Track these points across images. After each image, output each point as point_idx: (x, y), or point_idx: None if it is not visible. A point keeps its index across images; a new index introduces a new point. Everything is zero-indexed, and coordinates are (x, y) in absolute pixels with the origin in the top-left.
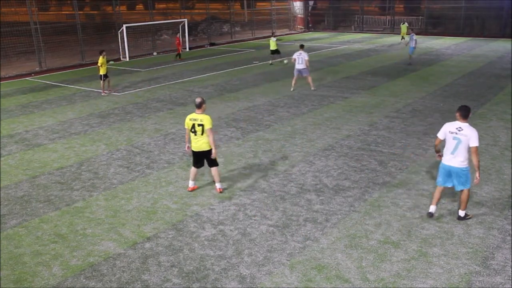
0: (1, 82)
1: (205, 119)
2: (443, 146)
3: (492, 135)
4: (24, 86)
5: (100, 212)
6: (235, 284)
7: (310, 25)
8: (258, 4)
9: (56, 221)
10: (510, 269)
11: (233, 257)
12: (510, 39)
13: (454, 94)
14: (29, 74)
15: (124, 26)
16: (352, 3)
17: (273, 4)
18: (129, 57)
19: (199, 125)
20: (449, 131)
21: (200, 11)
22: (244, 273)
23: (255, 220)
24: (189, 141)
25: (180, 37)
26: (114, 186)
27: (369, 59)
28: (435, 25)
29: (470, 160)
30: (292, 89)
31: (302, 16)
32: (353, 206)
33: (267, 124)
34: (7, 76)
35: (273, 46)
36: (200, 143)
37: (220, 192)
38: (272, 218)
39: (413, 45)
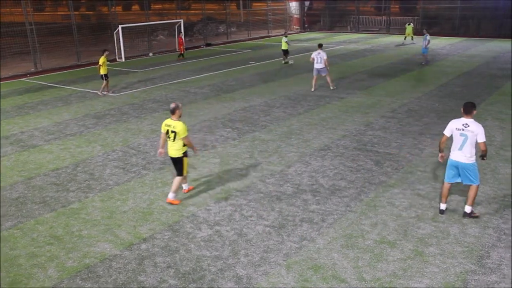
0: None
1: (178, 127)
2: (444, 146)
3: (487, 135)
4: (19, 87)
5: (96, 213)
6: (231, 284)
7: (306, 25)
8: (254, 4)
9: (52, 222)
10: (505, 268)
11: (229, 258)
12: (505, 39)
13: (449, 94)
14: (24, 75)
15: (120, 26)
16: (348, 3)
17: (269, 4)
18: (125, 57)
19: (172, 131)
20: (456, 128)
21: (196, 11)
22: (241, 274)
23: (251, 220)
24: (163, 146)
25: (183, 37)
26: (110, 187)
27: (365, 59)
28: (431, 25)
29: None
30: (313, 89)
31: (298, 16)
32: (349, 206)
33: (263, 125)
34: (2, 77)
35: (284, 46)
36: (171, 149)
37: (168, 202)
38: (268, 219)
39: (425, 45)
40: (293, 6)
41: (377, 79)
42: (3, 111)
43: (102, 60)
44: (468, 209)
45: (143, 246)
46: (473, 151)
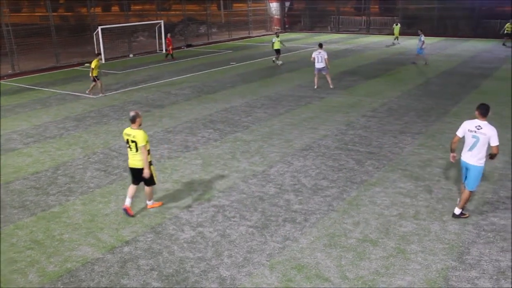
0: None
1: (138, 135)
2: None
3: None
4: None
5: (77, 217)
6: (215, 285)
7: (286, 26)
8: (234, 5)
9: (32, 227)
10: (485, 263)
11: (212, 259)
12: (482, 39)
13: (428, 93)
14: (1, 77)
15: (100, 28)
16: (328, 3)
17: (249, 5)
18: (105, 59)
19: (132, 141)
20: (468, 129)
21: (177, 12)
22: (224, 275)
23: (234, 221)
24: None
25: (170, 37)
26: (91, 190)
27: (346, 60)
28: (410, 25)
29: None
30: (315, 87)
31: (278, 17)
32: (331, 206)
33: (245, 125)
34: None
35: (276, 46)
36: (134, 159)
37: (150, 207)
38: (251, 219)
39: (421, 46)
40: (274, 7)
41: (357, 79)
42: None
43: (94, 63)
44: (457, 211)
45: (126, 249)
46: (483, 154)
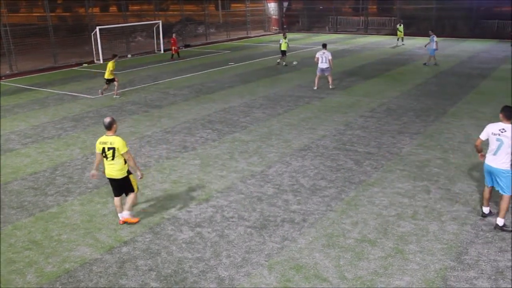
0: None
1: (116, 142)
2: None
3: (464, 133)
4: None
5: (75, 217)
6: (213, 286)
7: (284, 26)
8: (232, 5)
9: (30, 227)
10: (483, 263)
11: (211, 259)
12: (479, 39)
13: (427, 93)
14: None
15: (98, 28)
16: (326, 3)
17: (247, 5)
18: (103, 59)
19: (109, 148)
20: (492, 133)
21: (175, 12)
22: (223, 275)
23: (232, 221)
24: (97, 168)
25: (175, 37)
26: (89, 190)
27: (344, 60)
28: (408, 26)
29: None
30: (315, 88)
31: (276, 17)
32: (330, 206)
33: (243, 126)
34: None
35: (284, 47)
36: (111, 169)
37: (122, 223)
38: (249, 219)
39: (435, 47)
40: (272, 7)
41: (355, 79)
42: None
43: (112, 65)
44: (500, 221)
45: (124, 249)
46: (508, 157)
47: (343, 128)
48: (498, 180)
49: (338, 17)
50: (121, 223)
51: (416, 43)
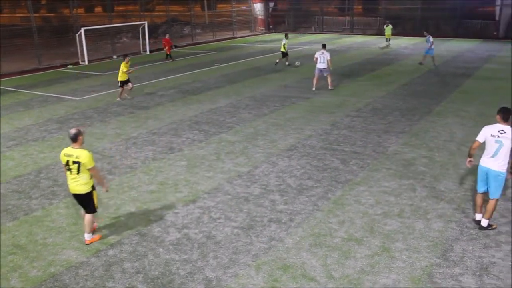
0: None
1: (82, 156)
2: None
3: (449, 132)
4: None
5: (60, 220)
6: (201, 287)
7: (270, 26)
8: (218, 6)
9: (14, 231)
10: (468, 260)
11: (198, 261)
12: (463, 39)
13: (412, 92)
14: None
15: (82, 29)
16: (312, 4)
17: (233, 5)
18: (88, 60)
19: (74, 162)
20: (491, 134)
21: (160, 13)
22: (210, 276)
23: (219, 222)
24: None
25: (168, 37)
26: None
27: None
28: (393, 26)
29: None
30: (313, 89)
31: (262, 17)
32: (316, 205)
33: (230, 126)
34: None
35: (284, 48)
36: (75, 184)
37: (88, 243)
38: (236, 220)
39: (430, 46)
40: (258, 7)
41: (342, 79)
42: None
43: (124, 66)
44: (484, 222)
45: (111, 252)
46: (507, 159)
47: (330, 128)
48: (492, 182)
49: (324, 17)
50: (87, 243)
51: (401, 43)
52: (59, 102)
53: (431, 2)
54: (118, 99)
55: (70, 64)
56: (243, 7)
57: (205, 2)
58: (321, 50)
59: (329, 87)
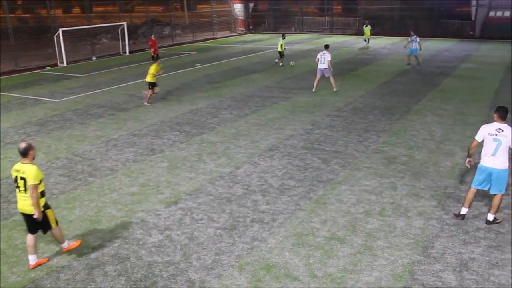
0: None
1: (28, 172)
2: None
3: (428, 130)
4: None
5: None
6: None
7: (251, 26)
8: (198, 6)
9: None
10: (448, 256)
11: (181, 262)
12: (441, 38)
13: (391, 92)
14: None
15: (60, 30)
16: (292, 4)
17: (213, 6)
18: (67, 62)
19: (21, 178)
20: (489, 133)
21: (140, 14)
22: (193, 278)
23: (202, 223)
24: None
25: (154, 38)
26: (54, 196)
27: (310, 60)
28: (372, 26)
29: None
30: (313, 90)
31: (242, 18)
32: (298, 205)
33: (211, 127)
34: None
35: (280, 48)
36: (23, 202)
37: (66, 250)
38: (219, 221)
39: (417, 47)
40: (238, 8)
41: (321, 79)
42: None
43: (155, 68)
44: (490, 217)
45: (92, 255)
46: (507, 157)
47: (311, 128)
48: (497, 180)
49: (304, 17)
50: (32, 267)
51: (380, 43)
52: (37, 104)
53: (409, 2)
54: (145, 103)
55: (48, 66)
56: (223, 7)
57: (185, 2)
58: (323, 51)
59: (334, 89)
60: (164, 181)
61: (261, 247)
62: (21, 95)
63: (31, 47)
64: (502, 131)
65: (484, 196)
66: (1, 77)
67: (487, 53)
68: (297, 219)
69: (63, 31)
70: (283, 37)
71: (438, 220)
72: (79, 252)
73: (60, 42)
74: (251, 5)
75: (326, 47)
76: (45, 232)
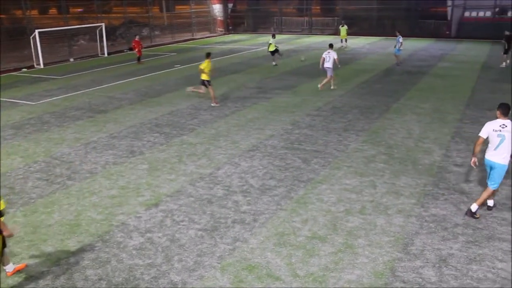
0: None
1: None
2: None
3: (406, 129)
4: None
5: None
6: None
7: (230, 27)
8: (177, 7)
9: None
10: (428, 253)
11: (163, 265)
12: (418, 38)
13: (370, 91)
14: None
15: (37, 31)
16: (271, 5)
17: (192, 7)
18: (44, 64)
19: None
20: (493, 129)
21: (118, 15)
22: (175, 280)
23: (183, 225)
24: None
25: (138, 39)
26: (33, 200)
27: (289, 60)
28: (350, 26)
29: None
30: (319, 87)
31: (222, 18)
32: (279, 205)
33: (191, 128)
34: None
35: (272, 48)
36: None
37: (10, 275)
38: (200, 222)
39: (398, 47)
40: (217, 8)
41: (301, 79)
42: None
43: (207, 65)
44: (474, 207)
45: (72, 259)
46: (508, 152)
47: (291, 128)
48: (493, 172)
49: (283, 17)
50: (9, 274)
51: (359, 43)
52: (14, 107)
53: (387, 3)
54: (213, 104)
55: (25, 68)
56: (202, 8)
57: (164, 3)
58: (328, 50)
59: (331, 87)
60: (145, 183)
61: (242, 247)
62: None
63: (7, 48)
64: (506, 126)
65: (462, 193)
66: None
67: (463, 52)
68: (278, 219)
69: (39, 32)
70: (274, 36)
71: (418, 217)
72: (58, 257)
73: (36, 44)
74: (230, 5)
75: (331, 46)
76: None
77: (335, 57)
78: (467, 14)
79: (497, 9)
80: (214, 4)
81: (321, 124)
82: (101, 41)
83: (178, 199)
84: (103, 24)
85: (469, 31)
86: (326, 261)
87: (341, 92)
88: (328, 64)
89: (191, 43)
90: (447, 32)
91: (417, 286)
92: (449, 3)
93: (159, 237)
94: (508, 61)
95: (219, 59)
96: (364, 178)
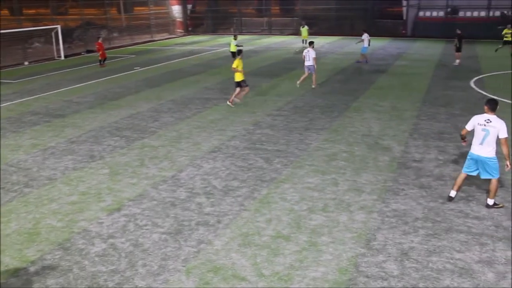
0: None
1: None
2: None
3: (366, 126)
4: None
5: None
6: None
7: (189, 28)
8: (135, 8)
9: None
10: (390, 247)
11: (127, 270)
12: (375, 37)
13: (330, 90)
14: None
15: None
16: (230, 5)
17: (151, 8)
18: None
19: None
20: (478, 123)
21: (74, 16)
22: (140, 285)
23: (146, 229)
24: None
25: (101, 41)
26: None
27: (250, 60)
28: (310, 26)
29: (497, 151)
30: (298, 83)
31: (181, 19)
32: (243, 205)
33: (152, 131)
34: None
35: (233, 48)
36: None
37: None
38: (163, 226)
39: (366, 45)
40: (176, 10)
41: (262, 79)
42: None
43: (240, 63)
44: (490, 201)
45: (32, 269)
46: (494, 145)
47: (252, 128)
48: (486, 167)
49: (243, 18)
50: None
51: (318, 42)
52: None
53: (344, 3)
54: (234, 100)
55: None
56: (161, 9)
57: (121, 4)
58: (307, 48)
59: (312, 85)
60: (106, 188)
61: (207, 249)
62: None
63: None
64: (491, 121)
65: (421, 187)
66: None
67: (419, 51)
68: (242, 220)
69: None
70: (235, 38)
71: (379, 213)
72: (16, 267)
73: None
74: (190, 6)
75: (310, 44)
76: None
77: (313, 56)
78: (421, 14)
79: (449, 9)
80: (173, 5)
81: (283, 123)
82: (57, 43)
83: (140, 203)
84: (58, 26)
85: (424, 30)
86: (291, 259)
87: (302, 91)
88: (308, 63)
89: (150, 45)
90: (404, 32)
91: (380, 280)
92: (404, 3)
93: (122, 242)
94: (457, 60)
95: (178, 60)
96: (326, 176)
